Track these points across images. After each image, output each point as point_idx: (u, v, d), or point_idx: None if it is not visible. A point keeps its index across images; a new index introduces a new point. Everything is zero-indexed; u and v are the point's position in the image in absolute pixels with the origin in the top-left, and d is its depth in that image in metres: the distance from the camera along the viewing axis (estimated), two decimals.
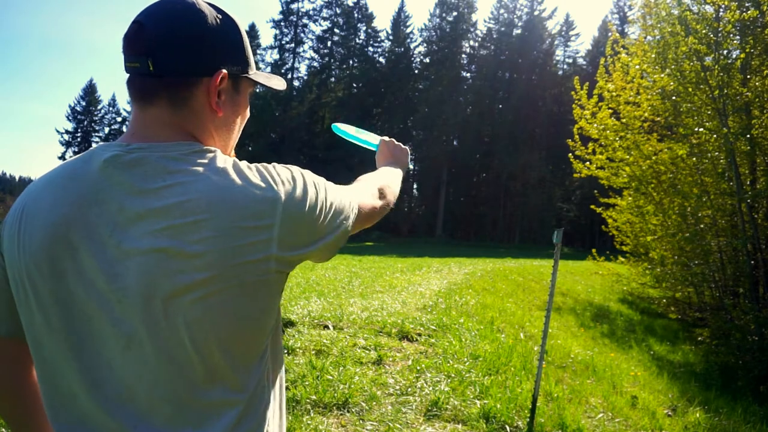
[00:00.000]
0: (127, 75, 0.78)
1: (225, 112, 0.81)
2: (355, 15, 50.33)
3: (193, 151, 0.75)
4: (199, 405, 0.74)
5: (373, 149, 1.39)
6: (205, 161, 0.74)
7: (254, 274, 0.72)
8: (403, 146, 1.34)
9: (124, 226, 0.71)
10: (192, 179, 0.72)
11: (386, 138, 1.36)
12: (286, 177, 0.78)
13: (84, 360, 0.74)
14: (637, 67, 8.64)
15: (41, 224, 0.73)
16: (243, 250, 0.71)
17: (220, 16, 0.78)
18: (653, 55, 8.02)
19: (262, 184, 0.74)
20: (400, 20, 49.80)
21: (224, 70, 0.78)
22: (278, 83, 0.91)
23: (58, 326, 0.74)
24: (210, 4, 0.79)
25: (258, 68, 0.92)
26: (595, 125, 9.34)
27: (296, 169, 0.81)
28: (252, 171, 0.76)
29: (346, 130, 1.44)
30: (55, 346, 0.75)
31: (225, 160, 0.76)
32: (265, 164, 0.79)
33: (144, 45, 0.74)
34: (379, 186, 1.07)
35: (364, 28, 50.75)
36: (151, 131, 0.77)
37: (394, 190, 1.14)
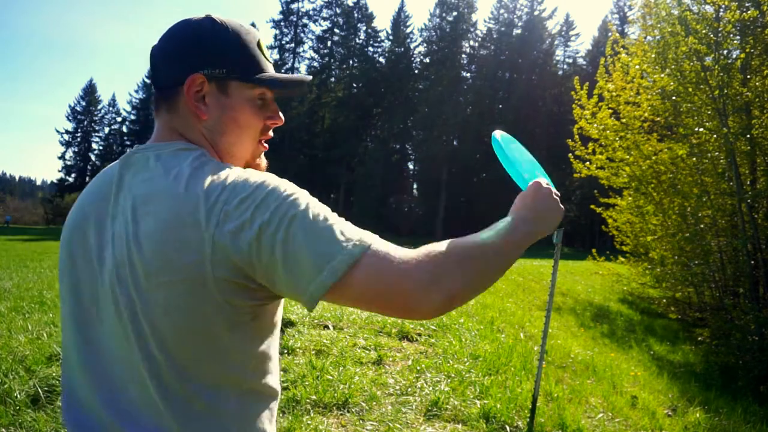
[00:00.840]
0: None
1: (211, 115, 0.84)
2: (355, 15, 50.35)
3: (177, 149, 0.81)
4: (171, 398, 0.76)
5: (520, 186, 1.01)
6: (181, 159, 0.79)
7: (189, 273, 0.72)
8: (556, 201, 0.94)
9: (115, 217, 0.78)
10: (161, 173, 0.77)
11: (543, 181, 0.96)
12: (239, 183, 0.74)
13: (83, 350, 0.81)
14: (637, 67, 8.64)
15: (69, 219, 0.86)
16: (176, 247, 0.72)
17: (210, 26, 0.83)
18: (653, 55, 8.01)
19: (203, 187, 0.73)
20: (400, 20, 49.82)
21: (198, 75, 0.81)
22: (295, 78, 0.90)
23: (69, 313, 0.83)
24: (209, 17, 0.84)
25: (277, 71, 0.91)
26: (595, 125, 9.34)
27: (266, 179, 0.75)
28: (207, 174, 0.75)
29: (504, 145, 1.07)
30: (69, 333, 0.83)
31: (198, 160, 0.78)
32: (238, 171, 0.77)
33: (151, 65, 0.86)
34: (450, 247, 0.76)
35: (364, 28, 50.78)
36: (159, 135, 0.86)
37: (477, 264, 0.77)
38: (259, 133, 0.89)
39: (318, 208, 0.74)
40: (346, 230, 0.72)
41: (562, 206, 0.95)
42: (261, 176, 0.76)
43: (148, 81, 61.60)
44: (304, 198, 0.74)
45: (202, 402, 0.76)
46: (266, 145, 0.93)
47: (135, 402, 0.76)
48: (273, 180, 0.76)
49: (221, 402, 0.77)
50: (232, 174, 0.75)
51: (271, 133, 0.92)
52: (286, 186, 0.75)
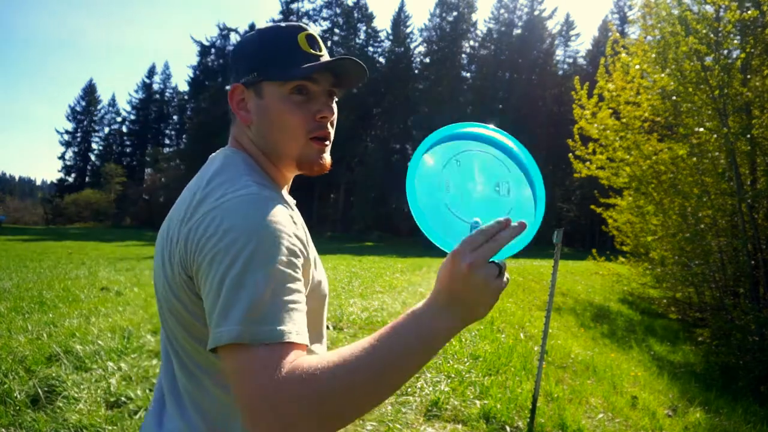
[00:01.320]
0: None
1: (253, 120, 0.87)
2: (355, 15, 50.36)
3: (220, 152, 0.91)
4: (177, 389, 0.85)
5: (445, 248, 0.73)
6: (214, 161, 0.89)
7: (176, 270, 0.78)
8: (487, 281, 0.69)
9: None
10: (199, 174, 0.88)
11: (474, 242, 0.69)
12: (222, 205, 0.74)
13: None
14: (637, 67, 8.63)
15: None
16: (171, 244, 0.80)
17: (245, 38, 0.89)
18: (653, 55, 8.01)
19: (207, 201, 0.77)
20: (400, 20, 49.81)
21: (237, 84, 0.88)
22: (325, 63, 0.84)
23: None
24: (250, 30, 0.94)
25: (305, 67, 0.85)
26: (596, 125, 9.34)
27: (240, 231, 0.71)
28: (213, 182, 0.80)
29: (426, 167, 0.78)
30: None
31: (223, 168, 0.84)
32: (239, 193, 0.76)
33: None
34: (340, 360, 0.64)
35: (364, 28, 50.78)
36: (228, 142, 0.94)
37: (360, 385, 0.63)
38: (304, 130, 0.85)
39: (264, 272, 0.68)
40: (260, 310, 0.65)
41: (492, 283, 0.70)
42: (239, 221, 0.72)
43: (147, 81, 61.67)
44: (261, 257, 0.69)
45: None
46: (320, 141, 0.87)
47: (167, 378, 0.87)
48: (248, 223, 0.71)
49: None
50: (224, 205, 0.74)
51: (330, 129, 0.88)
52: (257, 236, 0.70)
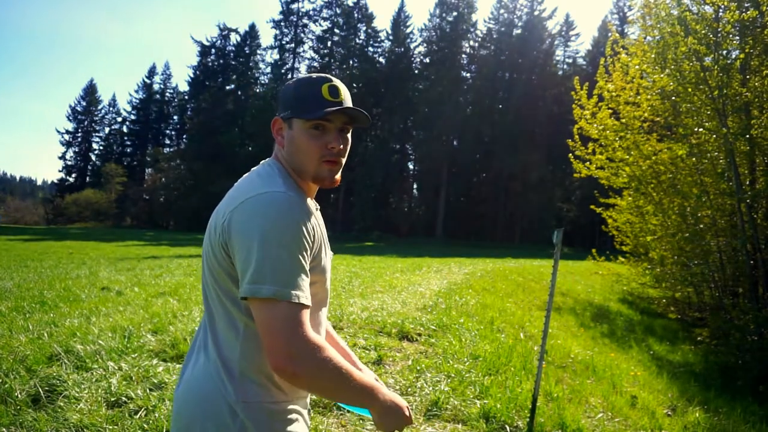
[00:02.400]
0: None
1: (285, 144, 1.19)
2: (355, 15, 50.31)
3: (264, 164, 1.20)
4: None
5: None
6: (260, 168, 1.18)
7: (218, 239, 1.09)
8: (398, 413, 1.15)
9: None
10: (244, 177, 1.18)
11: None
12: (259, 203, 1.04)
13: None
14: (637, 67, 8.65)
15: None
16: (218, 221, 1.11)
17: (290, 83, 1.20)
18: (653, 56, 8.02)
19: (246, 194, 1.08)
20: (400, 20, 49.78)
21: (277, 118, 1.21)
22: (329, 111, 1.15)
23: None
24: (300, 77, 1.20)
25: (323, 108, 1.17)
26: (595, 125, 9.35)
27: (275, 218, 1.02)
28: (255, 180, 1.13)
29: None
30: None
31: (263, 174, 1.15)
32: (274, 196, 1.06)
33: None
34: (333, 367, 1.01)
35: (364, 28, 50.73)
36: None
37: (329, 388, 1.04)
38: (318, 155, 1.15)
39: (288, 250, 1.01)
40: (287, 277, 1.00)
41: (399, 416, 1.15)
42: (277, 204, 1.04)
43: (148, 81, 61.65)
44: (286, 239, 1.01)
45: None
46: (330, 163, 1.16)
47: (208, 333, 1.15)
48: (279, 212, 1.03)
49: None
50: (262, 195, 1.06)
51: (341, 160, 1.19)
52: (285, 223, 1.02)
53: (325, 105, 1.14)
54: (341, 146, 1.17)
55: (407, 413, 1.16)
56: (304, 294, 1.01)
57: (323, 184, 1.19)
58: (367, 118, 1.18)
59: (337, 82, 1.18)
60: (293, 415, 1.13)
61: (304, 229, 1.04)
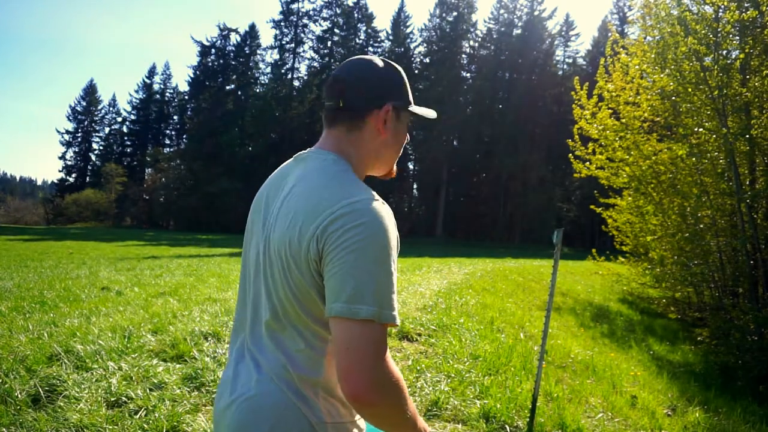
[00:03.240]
0: (325, 108, 1.12)
1: (388, 135, 1.10)
2: (355, 15, 50.34)
3: (327, 159, 1.06)
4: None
5: None
6: (326, 165, 1.05)
7: (300, 247, 0.98)
8: None
9: (282, 200, 1.05)
10: (309, 174, 1.04)
11: None
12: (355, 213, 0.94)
13: (241, 296, 1.18)
14: (637, 67, 8.64)
15: (255, 197, 1.16)
16: (295, 234, 0.98)
17: (389, 67, 1.11)
18: (653, 56, 8.02)
19: (336, 202, 0.96)
20: (400, 20, 49.80)
21: (390, 104, 1.08)
22: (430, 113, 1.19)
23: (241, 265, 1.18)
24: (383, 59, 1.12)
25: (414, 103, 1.18)
26: (595, 125, 9.34)
27: (375, 223, 0.93)
28: (335, 187, 0.99)
29: None
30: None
31: (339, 176, 1.02)
32: (362, 201, 0.96)
33: (338, 90, 1.08)
34: (407, 398, 0.96)
35: (364, 28, 50.77)
36: (325, 144, 1.10)
37: (398, 418, 0.95)
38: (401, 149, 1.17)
39: (385, 268, 0.92)
40: (386, 297, 0.91)
41: None
42: (373, 216, 0.94)
43: (148, 81, 61.65)
44: (384, 255, 0.92)
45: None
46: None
47: (261, 330, 1.07)
48: (378, 226, 0.93)
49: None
50: (357, 204, 0.95)
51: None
52: (383, 238, 0.93)
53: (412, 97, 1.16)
54: None
55: None
56: (397, 315, 0.93)
57: (386, 176, 1.19)
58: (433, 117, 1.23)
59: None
60: None
61: (395, 240, 0.96)
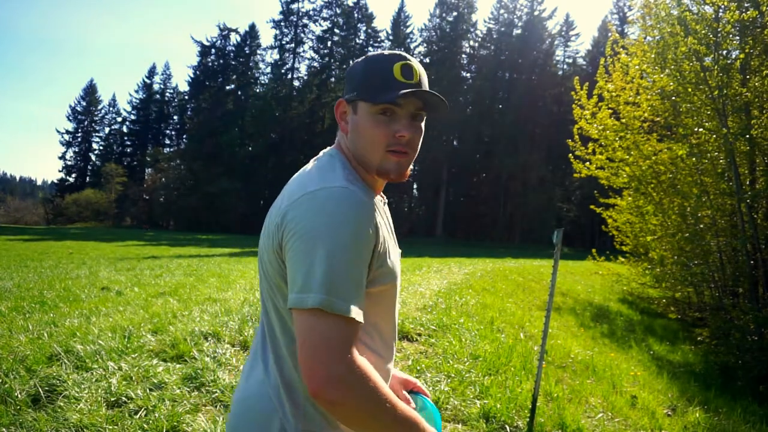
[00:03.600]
0: None
1: (349, 129, 1.05)
2: (355, 15, 50.34)
3: (327, 153, 1.06)
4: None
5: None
6: (322, 158, 1.05)
7: (273, 240, 0.96)
8: None
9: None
10: (303, 169, 1.04)
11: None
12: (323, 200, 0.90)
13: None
14: (637, 67, 8.64)
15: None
16: (273, 218, 0.97)
17: (359, 62, 1.06)
18: (653, 56, 8.02)
19: (302, 189, 0.94)
20: (400, 20, 49.80)
21: (341, 100, 1.06)
22: (390, 98, 0.98)
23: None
24: (368, 55, 1.05)
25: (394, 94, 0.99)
26: (595, 125, 9.34)
27: (343, 212, 0.89)
28: (313, 174, 0.98)
29: None
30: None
31: (323, 165, 1.01)
32: (335, 187, 0.92)
33: None
34: (382, 391, 0.86)
35: (364, 28, 50.77)
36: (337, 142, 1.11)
37: (371, 420, 0.86)
38: (384, 144, 1.00)
39: (343, 256, 0.86)
40: (339, 286, 0.85)
41: None
42: (334, 203, 0.89)
43: (148, 81, 61.66)
44: (342, 243, 0.87)
45: None
46: (398, 154, 1.01)
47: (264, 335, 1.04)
48: (337, 212, 0.88)
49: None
50: (319, 192, 0.92)
51: (411, 151, 1.03)
52: (342, 225, 0.87)
53: (397, 87, 0.98)
54: (412, 135, 1.01)
55: None
56: (356, 308, 0.86)
57: (388, 178, 1.03)
58: (445, 105, 1.01)
59: (412, 61, 1.02)
60: None
61: (364, 230, 0.89)
